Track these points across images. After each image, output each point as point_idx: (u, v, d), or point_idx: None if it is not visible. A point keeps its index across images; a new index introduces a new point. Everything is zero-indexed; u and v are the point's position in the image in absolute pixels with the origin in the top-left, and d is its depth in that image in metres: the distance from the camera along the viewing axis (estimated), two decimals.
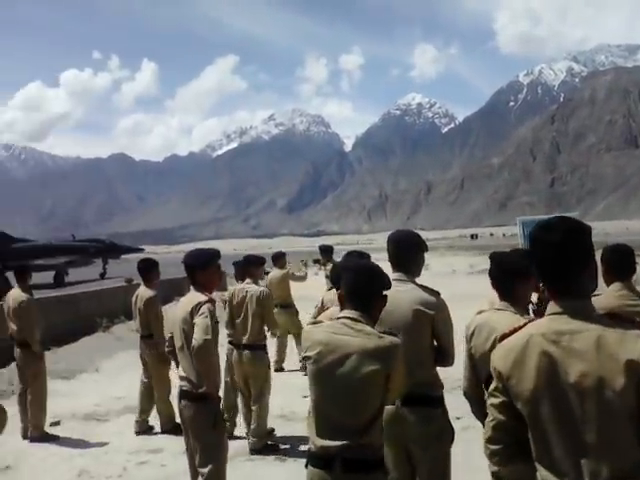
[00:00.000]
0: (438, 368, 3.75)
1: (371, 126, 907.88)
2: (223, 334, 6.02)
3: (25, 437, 7.14)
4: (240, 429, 6.99)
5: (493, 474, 2.21)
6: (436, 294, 3.71)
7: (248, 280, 6.82)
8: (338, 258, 8.16)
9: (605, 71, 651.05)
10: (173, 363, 4.88)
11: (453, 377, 8.49)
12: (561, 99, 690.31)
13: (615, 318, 1.96)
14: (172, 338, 4.57)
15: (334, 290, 4.24)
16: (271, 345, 10.19)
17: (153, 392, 7.36)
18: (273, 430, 7.01)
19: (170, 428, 7.08)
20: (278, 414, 7.70)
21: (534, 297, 3.77)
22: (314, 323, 3.18)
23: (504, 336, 2.13)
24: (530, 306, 3.64)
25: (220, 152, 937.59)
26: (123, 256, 42.49)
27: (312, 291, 11.86)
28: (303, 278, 11.60)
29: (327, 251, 11.07)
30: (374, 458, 2.86)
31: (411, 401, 3.51)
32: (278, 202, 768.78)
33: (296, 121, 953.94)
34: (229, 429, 6.72)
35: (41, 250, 40.46)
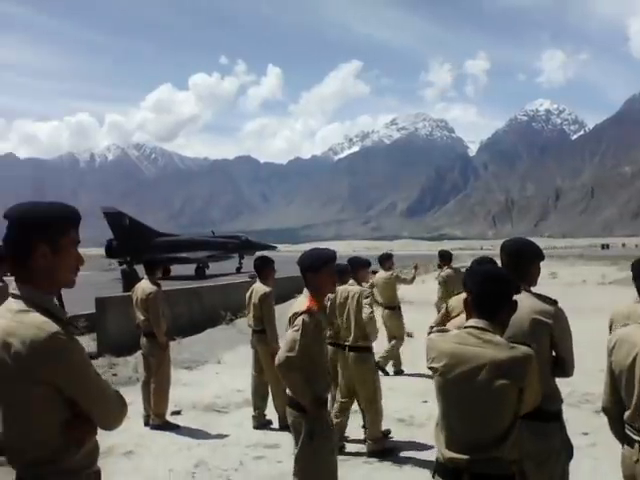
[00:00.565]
0: (563, 380, 3.56)
1: (496, 131, 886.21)
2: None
3: (147, 424, 7.34)
4: (352, 431, 6.83)
5: None
6: (553, 302, 3.50)
7: (352, 281, 6.68)
8: (463, 263, 7.88)
9: None
10: None
11: (579, 391, 7.99)
12: None
13: None
14: None
15: (461, 295, 3.98)
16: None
17: (264, 387, 7.37)
18: (389, 432, 6.84)
19: (287, 425, 7.02)
20: (397, 418, 7.54)
21: None
22: (439, 331, 2.96)
23: None
24: None
25: (342, 155, 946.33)
26: (257, 252, 43.90)
27: (426, 295, 11.61)
28: (409, 281, 11.38)
29: (445, 256, 10.80)
30: (504, 473, 2.65)
31: (526, 414, 3.25)
32: (399, 205, 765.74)
33: (419, 125, 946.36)
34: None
35: (184, 244, 43.13)
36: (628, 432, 2.93)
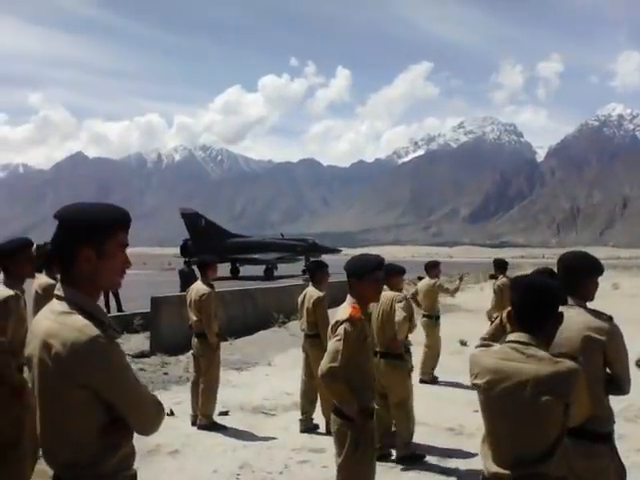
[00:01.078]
0: (618, 398, 3.42)
1: (566, 136, 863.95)
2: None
3: (194, 424, 7.43)
4: None
5: None
6: (607, 319, 3.36)
7: (385, 288, 6.56)
8: (523, 272, 7.68)
9: None
10: None
11: (637, 405, 7.69)
12: None
13: None
14: None
15: None
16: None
17: (314, 392, 7.34)
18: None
19: None
20: (446, 427, 7.46)
21: None
22: (483, 346, 2.88)
23: None
24: None
25: (406, 159, 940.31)
26: (323, 255, 44.65)
27: (485, 304, 11.39)
28: (452, 292, 11.33)
29: (500, 265, 10.56)
30: None
31: (574, 433, 3.11)
32: (461, 211, 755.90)
33: (487, 129, 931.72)
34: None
35: (255, 245, 44.42)
36: None
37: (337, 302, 4.63)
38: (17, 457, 4.05)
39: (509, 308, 2.93)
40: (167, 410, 7.83)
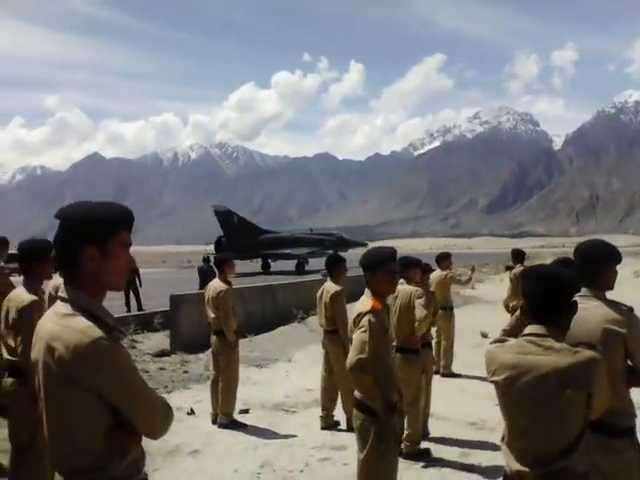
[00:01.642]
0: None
1: (583, 124, 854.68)
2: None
3: (214, 422, 7.39)
4: None
5: None
6: (628, 310, 3.25)
7: (402, 281, 6.47)
8: (542, 261, 7.56)
9: None
10: None
11: None
12: None
13: None
14: None
15: None
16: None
17: (334, 389, 7.28)
18: (427, 435, 6.80)
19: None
20: (468, 421, 7.38)
21: None
22: (497, 341, 2.80)
23: None
24: None
25: (422, 151, 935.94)
26: (350, 250, 45.66)
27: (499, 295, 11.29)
28: (464, 282, 11.22)
29: (518, 256, 10.42)
30: None
31: (594, 427, 3.04)
32: (479, 201, 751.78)
33: (502, 119, 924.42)
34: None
35: (287, 241, 45.49)
36: None
37: (356, 297, 4.59)
38: (34, 458, 4.05)
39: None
40: (187, 409, 7.85)
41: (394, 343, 6.34)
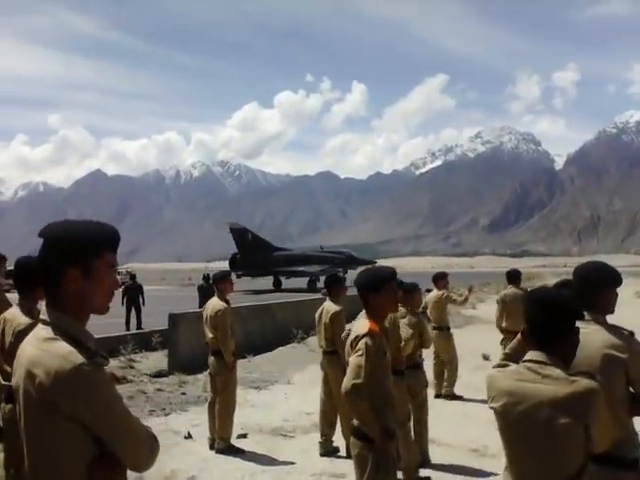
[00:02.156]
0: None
1: (585, 144, 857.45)
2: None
3: (212, 448, 7.22)
4: None
5: None
6: (629, 335, 3.13)
7: None
8: (544, 282, 7.43)
9: None
10: None
11: None
12: None
13: None
14: None
15: None
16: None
17: (333, 412, 7.12)
18: (428, 461, 6.67)
19: None
20: (470, 448, 7.22)
21: None
22: (500, 366, 2.68)
23: None
24: None
25: (424, 170, 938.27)
26: (359, 267, 46.24)
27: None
28: (460, 302, 11.15)
29: (513, 277, 9.96)
30: None
31: (598, 459, 2.91)
32: (480, 221, 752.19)
33: (504, 139, 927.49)
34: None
35: (299, 258, 46.28)
36: None
37: (354, 317, 4.49)
38: None
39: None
40: (185, 433, 7.69)
41: None
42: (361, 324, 3.98)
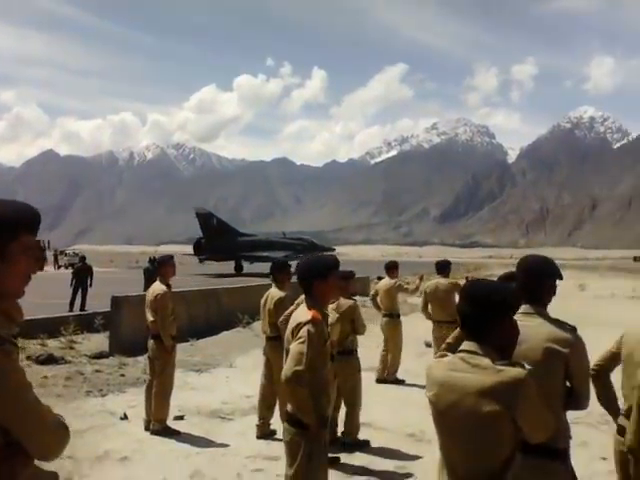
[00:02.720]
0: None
1: (538, 138, 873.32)
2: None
3: (147, 429, 7.15)
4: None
5: None
6: (571, 329, 3.18)
7: None
8: (490, 272, 7.57)
9: None
10: None
11: (598, 411, 7.63)
12: None
13: None
14: None
15: None
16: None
17: (273, 397, 7.12)
18: (357, 443, 6.85)
19: None
20: (407, 433, 7.32)
21: None
22: (440, 356, 2.72)
23: None
24: None
25: (379, 159, 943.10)
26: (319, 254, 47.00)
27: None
28: (411, 292, 11.19)
29: (442, 267, 10.03)
30: None
31: (527, 450, 2.94)
32: (432, 211, 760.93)
33: (459, 130, 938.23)
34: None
35: (264, 244, 46.62)
36: (622, 422, 2.86)
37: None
38: None
39: None
40: (121, 414, 7.60)
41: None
42: (303, 311, 3.95)
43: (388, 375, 10.18)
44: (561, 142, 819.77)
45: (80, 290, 18.44)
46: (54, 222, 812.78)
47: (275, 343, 7.03)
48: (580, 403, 3.18)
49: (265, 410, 7.19)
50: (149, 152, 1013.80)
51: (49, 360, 10.41)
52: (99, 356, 11.04)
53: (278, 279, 7.26)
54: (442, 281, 9.74)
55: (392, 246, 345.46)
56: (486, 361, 2.43)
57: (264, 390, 7.27)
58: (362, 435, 6.99)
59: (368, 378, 9.86)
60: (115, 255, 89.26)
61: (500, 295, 2.56)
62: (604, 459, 6.12)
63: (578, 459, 6.00)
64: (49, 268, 48.35)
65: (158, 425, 7.07)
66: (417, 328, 14.49)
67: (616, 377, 3.60)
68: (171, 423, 7.27)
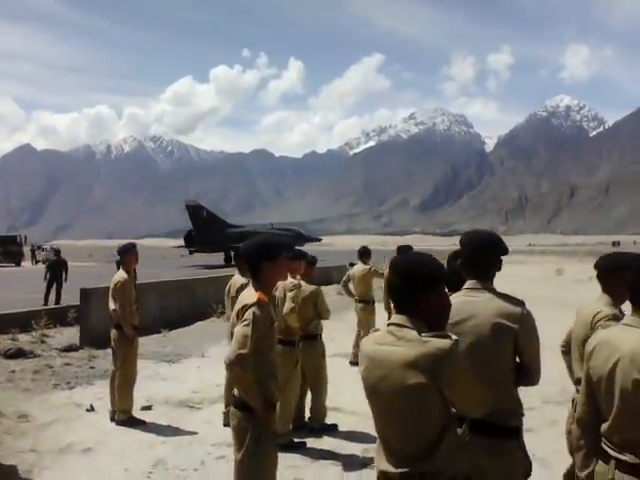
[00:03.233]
0: (551, 378, 3.37)
1: (515, 127, 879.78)
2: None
3: (112, 420, 7.06)
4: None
5: None
6: (520, 304, 3.09)
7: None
8: None
9: None
10: None
11: (568, 389, 7.66)
12: None
13: None
14: None
15: None
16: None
17: None
18: (322, 427, 6.88)
19: None
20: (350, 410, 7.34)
21: None
22: (375, 331, 2.66)
23: None
24: None
25: (358, 150, 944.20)
26: (307, 245, 48.05)
27: None
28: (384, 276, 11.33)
29: (362, 254, 10.87)
30: None
31: (479, 429, 2.91)
32: (411, 201, 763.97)
33: (437, 120, 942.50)
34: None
35: (252, 235, 46.84)
36: (604, 447, 2.63)
37: None
38: None
39: None
40: (87, 406, 7.51)
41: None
42: (249, 293, 3.85)
43: (355, 357, 10.20)
44: (538, 131, 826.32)
45: (55, 284, 18.23)
46: (33, 218, 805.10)
47: None
48: (531, 379, 3.11)
49: (230, 397, 7.13)
50: (126, 145, 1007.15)
51: (18, 354, 10.30)
52: (69, 349, 10.93)
53: (239, 266, 7.21)
54: (365, 266, 10.54)
55: (375, 236, 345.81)
56: (412, 333, 2.38)
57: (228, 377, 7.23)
58: (331, 419, 6.97)
59: (342, 363, 9.90)
60: (94, 249, 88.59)
61: (427, 268, 2.50)
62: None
63: (547, 437, 6.07)
64: (26, 263, 47.89)
65: (123, 415, 6.96)
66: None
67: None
68: (139, 413, 7.18)
